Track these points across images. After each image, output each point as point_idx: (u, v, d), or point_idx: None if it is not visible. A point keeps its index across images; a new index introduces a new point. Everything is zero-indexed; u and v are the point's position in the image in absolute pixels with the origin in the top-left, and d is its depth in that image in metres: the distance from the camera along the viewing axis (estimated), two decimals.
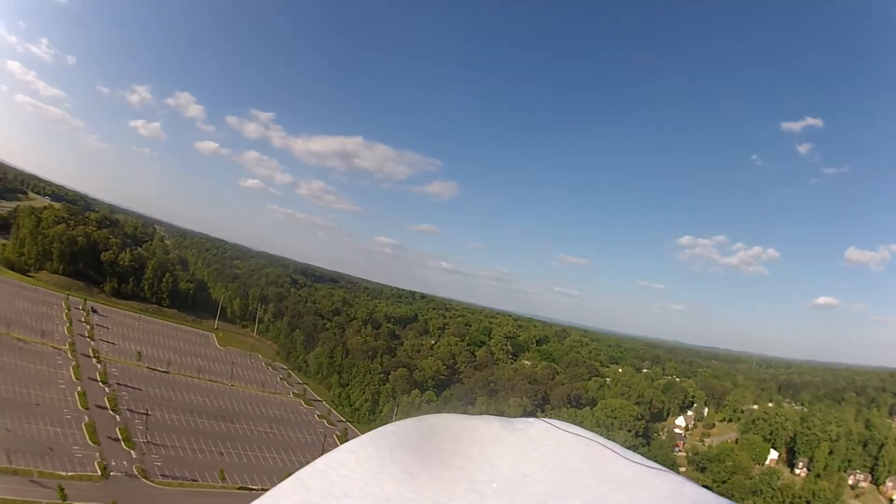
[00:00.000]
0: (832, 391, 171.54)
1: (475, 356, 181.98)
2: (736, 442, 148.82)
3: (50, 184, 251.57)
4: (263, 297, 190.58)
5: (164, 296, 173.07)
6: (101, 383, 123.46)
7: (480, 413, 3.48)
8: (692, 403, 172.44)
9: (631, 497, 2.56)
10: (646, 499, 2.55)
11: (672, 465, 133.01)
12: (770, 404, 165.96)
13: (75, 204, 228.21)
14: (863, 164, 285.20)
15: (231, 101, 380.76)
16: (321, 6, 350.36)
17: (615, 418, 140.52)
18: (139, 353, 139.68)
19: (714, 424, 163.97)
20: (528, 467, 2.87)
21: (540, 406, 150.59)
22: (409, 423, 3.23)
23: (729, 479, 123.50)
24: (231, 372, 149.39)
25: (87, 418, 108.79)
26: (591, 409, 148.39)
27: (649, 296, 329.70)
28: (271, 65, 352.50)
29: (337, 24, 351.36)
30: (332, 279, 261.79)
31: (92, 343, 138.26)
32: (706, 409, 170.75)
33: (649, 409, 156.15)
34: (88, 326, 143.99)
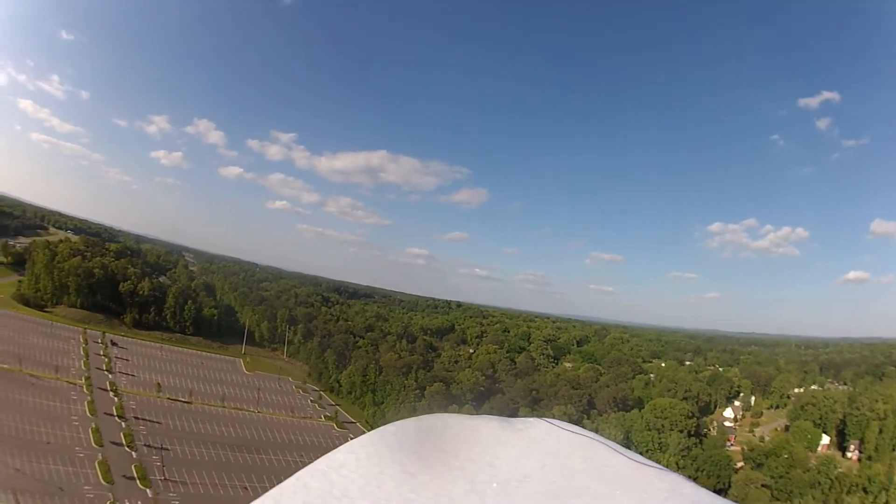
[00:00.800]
0: (872, 367, 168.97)
1: (515, 363, 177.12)
2: (786, 430, 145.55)
3: (72, 218, 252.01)
4: (292, 317, 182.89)
5: (188, 323, 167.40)
6: (117, 418, 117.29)
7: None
8: (738, 393, 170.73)
9: (631, 497, 2.56)
10: (646, 499, 2.56)
11: (727, 464, 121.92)
12: (814, 387, 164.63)
13: (98, 236, 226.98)
14: (881, 133, 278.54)
15: (251, 125, 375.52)
16: (334, 24, 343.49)
17: (665, 419, 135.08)
18: (158, 384, 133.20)
19: (762, 413, 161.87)
20: (528, 467, 2.88)
21: (585, 412, 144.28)
22: (409, 422, 3.28)
23: (786, 473, 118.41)
24: (257, 398, 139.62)
25: (100, 456, 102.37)
26: (640, 410, 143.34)
27: (683, 286, 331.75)
28: (288, 85, 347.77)
29: (352, 39, 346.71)
30: (365, 294, 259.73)
31: (110, 376, 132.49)
32: (752, 398, 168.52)
33: (696, 403, 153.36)
34: (106, 359, 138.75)
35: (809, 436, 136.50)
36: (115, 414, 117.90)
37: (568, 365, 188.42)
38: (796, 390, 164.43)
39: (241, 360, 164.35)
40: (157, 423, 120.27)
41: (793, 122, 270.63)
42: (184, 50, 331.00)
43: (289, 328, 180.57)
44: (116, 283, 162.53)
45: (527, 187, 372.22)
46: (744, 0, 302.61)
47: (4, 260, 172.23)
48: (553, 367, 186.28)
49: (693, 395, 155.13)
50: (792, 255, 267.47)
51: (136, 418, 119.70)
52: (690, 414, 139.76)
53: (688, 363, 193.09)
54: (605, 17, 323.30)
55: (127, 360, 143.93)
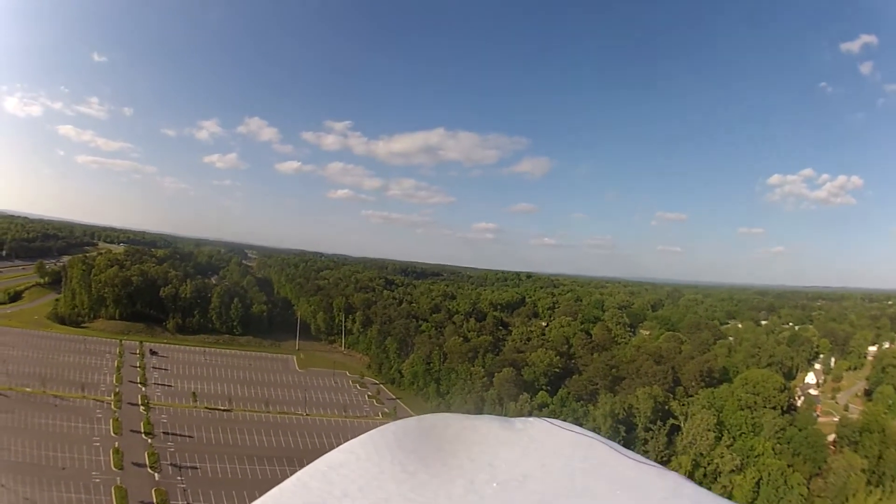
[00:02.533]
0: None
1: (591, 336, 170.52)
2: (867, 395, 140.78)
3: (126, 231, 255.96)
4: (349, 305, 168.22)
5: (235, 323, 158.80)
6: (144, 435, 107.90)
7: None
8: (817, 354, 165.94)
9: (631, 497, 2.63)
10: (646, 499, 2.63)
11: (823, 445, 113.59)
12: (886, 344, 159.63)
13: (154, 246, 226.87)
14: None
15: (304, 118, 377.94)
16: (373, 3, 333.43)
17: (757, 394, 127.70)
18: (194, 393, 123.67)
19: (842, 376, 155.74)
20: (528, 467, 2.97)
21: (671, 390, 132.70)
22: (410, 422, 3.36)
23: (881, 455, 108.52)
24: (305, 398, 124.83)
25: (119, 480, 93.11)
26: (728, 384, 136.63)
27: (750, 242, 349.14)
28: (336, 73, 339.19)
29: (395, 17, 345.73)
30: (434, 273, 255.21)
31: (143, 389, 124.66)
32: (832, 359, 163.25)
33: (780, 369, 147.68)
34: (140, 371, 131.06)
35: (891, 401, 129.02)
36: (142, 431, 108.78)
37: (645, 332, 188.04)
38: (871, 348, 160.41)
39: (295, 357, 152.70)
40: (189, 437, 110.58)
41: (838, 67, 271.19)
42: (222, 51, 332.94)
43: (346, 317, 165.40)
44: (157, 289, 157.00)
45: (589, 151, 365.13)
46: None
47: (42, 280, 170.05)
48: (630, 336, 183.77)
49: (777, 361, 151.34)
50: (849, 204, 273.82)
51: (166, 434, 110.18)
52: (783, 387, 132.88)
53: (763, 322, 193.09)
54: None
55: (165, 369, 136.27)
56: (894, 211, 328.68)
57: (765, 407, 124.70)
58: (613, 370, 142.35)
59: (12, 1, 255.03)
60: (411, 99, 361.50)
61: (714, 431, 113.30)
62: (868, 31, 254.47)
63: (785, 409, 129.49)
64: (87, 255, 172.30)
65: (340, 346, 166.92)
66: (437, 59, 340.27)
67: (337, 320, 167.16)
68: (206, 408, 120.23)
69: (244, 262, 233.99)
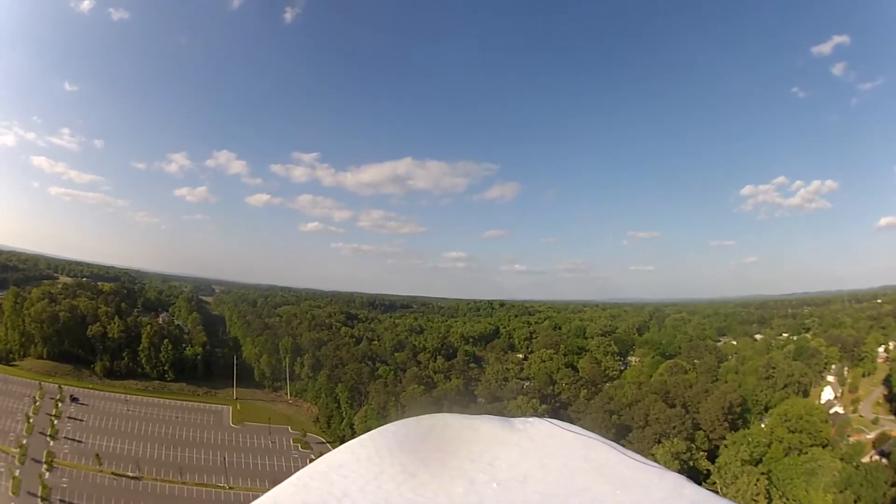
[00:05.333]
0: None
1: (577, 371, 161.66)
2: (889, 401, 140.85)
3: (93, 265, 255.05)
4: (297, 346, 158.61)
5: (166, 367, 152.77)
6: (40, 501, 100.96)
7: None
8: (826, 363, 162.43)
9: (631, 497, 2.71)
10: (646, 499, 2.70)
11: (878, 479, 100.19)
12: (892, 345, 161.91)
13: (115, 280, 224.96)
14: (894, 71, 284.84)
15: (272, 150, 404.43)
16: (339, 35, 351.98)
17: (801, 432, 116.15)
18: (97, 455, 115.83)
19: (858, 385, 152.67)
20: (528, 467, 3.03)
21: (690, 438, 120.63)
22: (410, 422, 3.45)
23: None
24: (226, 466, 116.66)
25: None
26: (758, 422, 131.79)
27: (723, 254, 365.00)
28: (303, 104, 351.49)
29: (359, 48, 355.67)
30: (403, 305, 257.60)
31: (51, 443, 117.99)
32: (845, 369, 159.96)
33: (796, 389, 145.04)
34: (53, 421, 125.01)
35: None
36: (38, 495, 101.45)
37: (635, 360, 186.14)
38: (880, 350, 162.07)
39: (230, 409, 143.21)
40: None
41: (809, 71, 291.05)
42: (190, 84, 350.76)
43: (295, 360, 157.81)
44: (85, 328, 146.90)
45: (557, 175, 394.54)
46: None
47: None
48: (621, 367, 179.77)
49: (794, 381, 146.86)
50: (825, 208, 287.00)
51: (62, 501, 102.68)
52: (825, 417, 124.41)
53: (758, 336, 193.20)
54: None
55: (81, 420, 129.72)
56: (870, 209, 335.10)
57: (812, 446, 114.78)
58: (615, 417, 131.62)
59: None
60: (378, 129, 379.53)
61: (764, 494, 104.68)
62: (840, 32, 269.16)
63: (827, 442, 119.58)
64: (23, 288, 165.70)
65: (286, 394, 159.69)
66: (402, 89, 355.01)
67: (284, 364, 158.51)
68: (113, 473, 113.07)
69: (202, 297, 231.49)
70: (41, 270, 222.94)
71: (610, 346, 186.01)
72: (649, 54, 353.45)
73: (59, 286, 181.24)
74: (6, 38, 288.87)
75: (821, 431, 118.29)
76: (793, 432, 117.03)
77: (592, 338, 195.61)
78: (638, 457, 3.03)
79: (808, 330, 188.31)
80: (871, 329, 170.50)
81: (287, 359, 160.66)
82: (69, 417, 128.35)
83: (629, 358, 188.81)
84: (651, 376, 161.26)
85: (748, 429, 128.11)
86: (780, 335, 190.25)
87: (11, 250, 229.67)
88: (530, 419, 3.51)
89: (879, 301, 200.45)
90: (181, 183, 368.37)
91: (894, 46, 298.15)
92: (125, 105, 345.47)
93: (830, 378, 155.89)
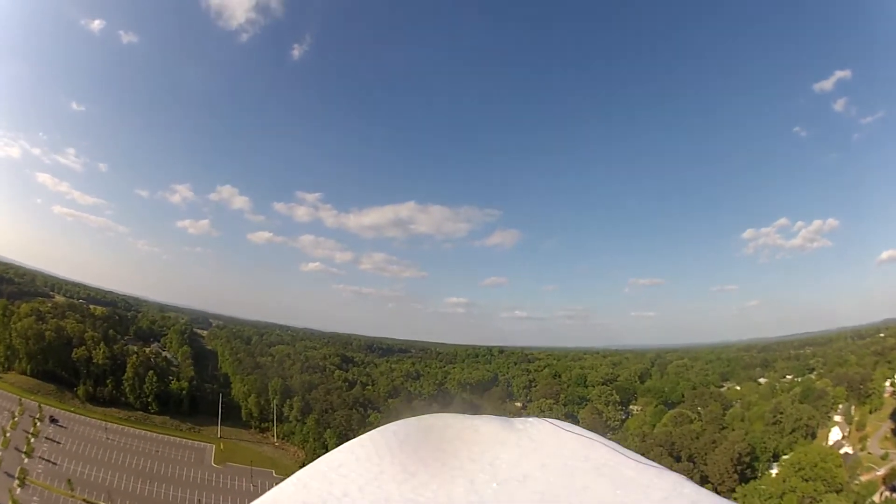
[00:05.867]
0: None
1: (579, 422, 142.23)
2: None
3: (91, 288, 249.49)
4: (287, 388, 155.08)
5: (150, 399, 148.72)
6: None
7: None
8: (833, 404, 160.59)
9: (631, 496, 2.70)
10: (646, 498, 2.68)
11: None
12: None
13: (114, 305, 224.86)
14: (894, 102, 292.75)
15: (275, 188, 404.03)
16: (346, 76, 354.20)
17: (816, 479, 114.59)
18: (69, 480, 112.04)
19: (865, 423, 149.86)
20: (528, 467, 2.97)
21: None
22: (410, 422, 3.42)
23: None
24: None
25: None
26: (769, 467, 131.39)
27: (724, 299, 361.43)
28: (307, 144, 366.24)
29: (366, 90, 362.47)
30: (401, 350, 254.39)
31: (25, 461, 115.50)
32: (852, 407, 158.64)
33: (805, 433, 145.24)
34: (30, 438, 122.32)
35: None
36: None
37: (637, 409, 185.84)
38: (886, 384, 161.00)
39: (214, 448, 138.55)
40: None
41: (811, 109, 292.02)
42: (196, 115, 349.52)
43: (283, 402, 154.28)
44: (71, 350, 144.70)
45: (558, 222, 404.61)
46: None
47: None
48: (623, 417, 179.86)
49: (802, 424, 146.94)
50: (826, 247, 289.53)
51: None
52: (839, 462, 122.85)
53: (762, 380, 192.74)
54: (613, 48, 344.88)
55: (58, 442, 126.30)
56: (871, 244, 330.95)
57: (826, 492, 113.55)
58: None
59: None
60: (381, 171, 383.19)
61: None
62: (842, 66, 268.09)
63: (841, 488, 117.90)
64: (13, 302, 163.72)
65: (273, 436, 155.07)
66: (407, 132, 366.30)
67: (272, 405, 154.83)
68: (84, 500, 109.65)
69: (198, 330, 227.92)
70: (37, 287, 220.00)
71: (612, 395, 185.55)
72: (651, 103, 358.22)
73: (49, 305, 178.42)
74: (15, 51, 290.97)
75: (835, 477, 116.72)
76: (807, 480, 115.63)
77: (594, 386, 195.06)
78: (638, 457, 2.93)
79: (812, 370, 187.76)
80: (877, 364, 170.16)
81: (276, 400, 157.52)
82: (46, 438, 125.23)
83: (631, 406, 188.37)
84: (654, 426, 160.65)
85: (758, 479, 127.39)
86: (784, 377, 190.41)
87: (10, 263, 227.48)
88: (530, 419, 3.38)
89: (882, 335, 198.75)
90: (184, 214, 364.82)
91: (894, 77, 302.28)
92: (131, 130, 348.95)
93: (837, 418, 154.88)
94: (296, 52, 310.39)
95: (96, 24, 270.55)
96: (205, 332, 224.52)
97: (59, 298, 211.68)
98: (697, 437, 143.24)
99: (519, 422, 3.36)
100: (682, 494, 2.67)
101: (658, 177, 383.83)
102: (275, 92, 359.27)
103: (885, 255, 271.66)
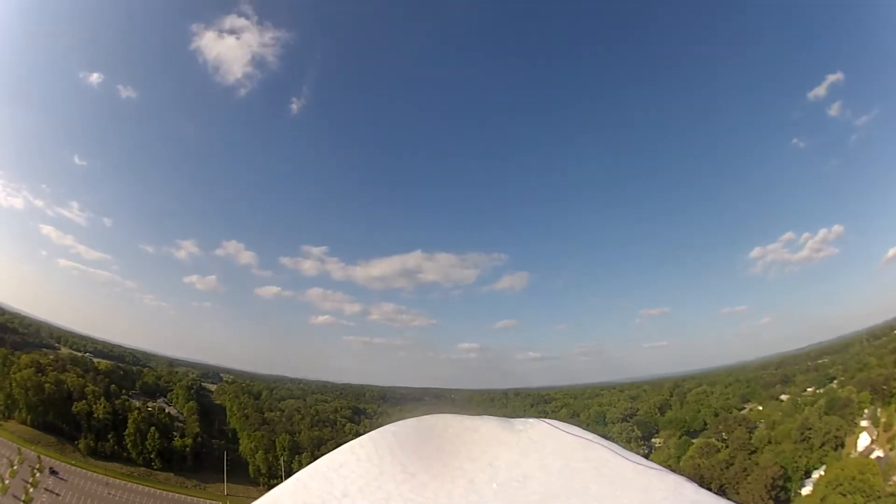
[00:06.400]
0: None
1: None
2: None
3: (98, 341, 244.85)
4: (295, 444, 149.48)
5: (153, 455, 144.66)
6: None
7: None
8: (859, 409, 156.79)
9: (631, 497, 2.75)
10: (646, 499, 2.75)
11: None
12: None
13: (122, 360, 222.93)
14: (891, 101, 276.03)
15: (281, 242, 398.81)
16: (345, 127, 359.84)
17: (855, 492, 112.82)
18: None
19: (893, 424, 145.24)
20: (528, 468, 3.08)
21: None
22: (410, 423, 3.58)
23: None
24: None
25: None
26: (802, 485, 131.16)
27: (735, 320, 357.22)
28: (309, 197, 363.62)
29: (366, 140, 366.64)
30: (415, 398, 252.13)
31: None
32: (878, 410, 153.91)
33: (834, 445, 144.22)
34: (31, 489, 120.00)
35: None
36: None
37: (658, 441, 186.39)
38: None
39: None
40: None
41: (807, 118, 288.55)
42: (197, 171, 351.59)
43: (292, 458, 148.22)
44: (71, 403, 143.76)
45: (566, 261, 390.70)
46: (720, 12, 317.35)
47: None
48: (646, 451, 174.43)
49: (830, 435, 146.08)
50: (833, 255, 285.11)
51: None
52: (876, 470, 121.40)
53: (783, 397, 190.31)
54: (607, 81, 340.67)
55: (57, 494, 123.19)
56: (877, 243, 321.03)
57: (867, 503, 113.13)
58: None
59: None
60: (386, 222, 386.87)
61: None
62: (833, 70, 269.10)
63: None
64: (13, 353, 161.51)
65: None
66: (410, 182, 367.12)
67: (281, 461, 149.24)
68: None
69: (207, 384, 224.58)
70: (42, 338, 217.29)
71: (633, 430, 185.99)
72: (649, 124, 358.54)
73: (52, 357, 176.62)
74: (17, 100, 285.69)
75: (873, 486, 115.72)
76: (845, 495, 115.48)
77: (613, 423, 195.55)
78: (638, 458, 3.01)
79: (833, 379, 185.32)
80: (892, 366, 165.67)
81: (284, 456, 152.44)
82: (46, 489, 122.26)
83: (654, 440, 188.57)
84: (680, 459, 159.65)
85: (792, 500, 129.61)
86: (805, 390, 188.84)
87: (16, 312, 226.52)
88: (530, 420, 3.46)
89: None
90: (190, 270, 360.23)
91: (886, 74, 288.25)
92: (132, 186, 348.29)
93: (864, 423, 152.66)
94: (294, 107, 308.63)
95: (94, 78, 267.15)
96: (214, 387, 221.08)
97: (63, 350, 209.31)
98: (728, 467, 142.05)
99: (519, 422, 3.42)
100: (682, 495, 2.70)
101: (661, 205, 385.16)
102: (275, 146, 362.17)
103: (891, 252, 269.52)
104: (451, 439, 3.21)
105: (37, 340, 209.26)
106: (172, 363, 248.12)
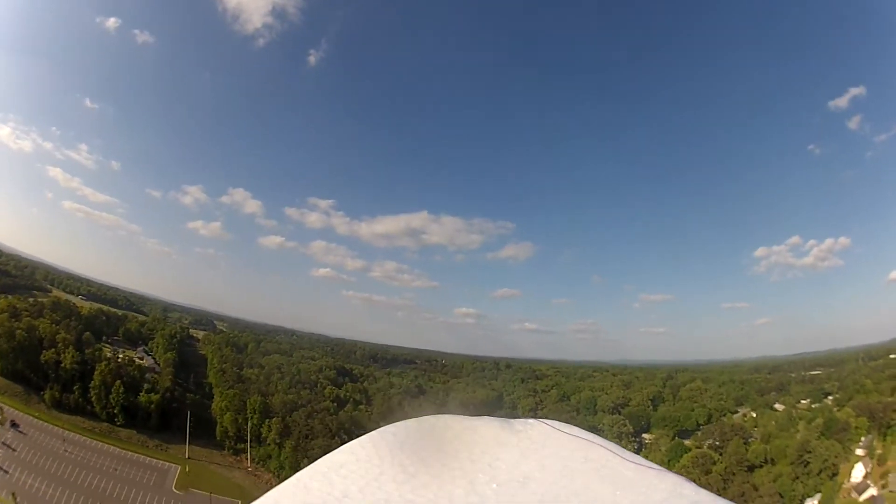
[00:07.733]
0: None
1: None
2: None
3: (95, 283, 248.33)
4: (266, 407, 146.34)
5: (116, 411, 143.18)
6: None
7: None
8: (856, 435, 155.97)
9: (631, 497, 2.80)
10: (646, 499, 2.79)
11: None
12: None
13: (115, 304, 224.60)
14: None
15: (288, 193, 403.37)
16: (362, 83, 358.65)
17: None
18: (14, 494, 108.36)
19: (887, 458, 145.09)
20: (528, 468, 3.17)
21: None
22: (410, 423, 3.60)
23: None
24: None
25: None
26: None
27: (735, 316, 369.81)
28: (321, 150, 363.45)
29: (382, 98, 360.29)
30: (407, 360, 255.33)
31: None
32: (874, 440, 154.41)
33: (830, 473, 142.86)
34: None
35: None
36: None
37: (649, 438, 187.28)
38: None
39: (179, 470, 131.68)
40: None
41: (826, 127, 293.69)
42: (209, 118, 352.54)
43: (263, 422, 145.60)
44: (41, 351, 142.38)
45: (572, 237, 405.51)
46: (746, 18, 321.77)
47: None
48: (636, 448, 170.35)
49: (829, 465, 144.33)
50: (837, 266, 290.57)
51: None
52: None
53: (777, 406, 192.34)
54: (630, 68, 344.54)
55: (14, 449, 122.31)
56: (882, 262, 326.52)
57: None
58: None
59: (9, 30, 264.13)
60: (394, 180, 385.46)
61: None
62: (857, 83, 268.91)
63: None
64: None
65: (247, 460, 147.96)
66: (422, 142, 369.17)
67: (250, 425, 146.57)
68: None
69: (195, 332, 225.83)
70: (35, 280, 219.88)
71: (624, 425, 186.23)
72: (664, 117, 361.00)
73: (30, 301, 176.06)
74: (28, 46, 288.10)
75: None
76: None
77: (604, 413, 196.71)
78: (638, 458, 3.09)
79: (827, 395, 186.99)
80: (888, 392, 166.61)
81: (254, 419, 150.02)
82: (3, 443, 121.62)
83: (644, 436, 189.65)
84: (672, 464, 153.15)
85: None
86: (800, 402, 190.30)
87: (12, 253, 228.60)
88: (530, 420, 3.58)
89: (893, 357, 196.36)
90: (195, 216, 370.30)
91: None
92: (143, 130, 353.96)
93: (860, 451, 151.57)
94: (312, 59, 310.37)
95: (111, 23, 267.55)
96: (200, 336, 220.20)
97: (54, 294, 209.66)
98: (724, 485, 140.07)
99: (518, 423, 3.54)
100: (682, 495, 2.74)
101: (672, 192, 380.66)
102: (290, 97, 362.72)
103: (894, 274, 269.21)
104: (452, 440, 3.21)
105: (28, 283, 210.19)
106: (167, 308, 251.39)
